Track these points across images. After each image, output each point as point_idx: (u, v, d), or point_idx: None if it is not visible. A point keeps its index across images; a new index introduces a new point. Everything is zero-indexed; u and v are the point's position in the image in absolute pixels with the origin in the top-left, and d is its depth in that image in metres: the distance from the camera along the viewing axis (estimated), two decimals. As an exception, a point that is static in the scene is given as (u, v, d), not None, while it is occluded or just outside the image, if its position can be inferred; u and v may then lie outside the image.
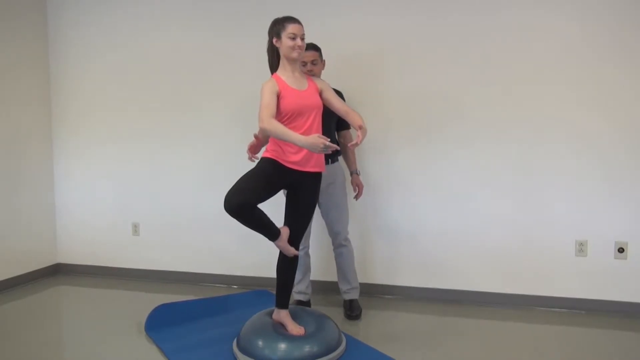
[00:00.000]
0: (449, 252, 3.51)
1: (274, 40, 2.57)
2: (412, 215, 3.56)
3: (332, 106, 2.67)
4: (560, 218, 3.30)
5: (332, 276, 3.51)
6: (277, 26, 2.55)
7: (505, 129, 3.36)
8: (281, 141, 2.49)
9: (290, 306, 2.74)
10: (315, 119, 2.58)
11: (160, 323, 3.00)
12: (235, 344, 2.65)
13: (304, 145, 2.34)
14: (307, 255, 3.29)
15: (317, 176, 2.66)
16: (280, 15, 2.60)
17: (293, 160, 2.53)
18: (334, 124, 3.16)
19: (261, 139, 2.78)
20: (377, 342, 2.80)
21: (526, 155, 3.33)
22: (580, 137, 3.24)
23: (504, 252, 3.41)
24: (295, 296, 3.27)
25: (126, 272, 4.20)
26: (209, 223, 3.96)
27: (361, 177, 3.35)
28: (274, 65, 2.63)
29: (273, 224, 2.54)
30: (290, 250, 2.63)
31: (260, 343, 2.50)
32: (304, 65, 2.96)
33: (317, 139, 2.31)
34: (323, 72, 3.13)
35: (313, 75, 2.88)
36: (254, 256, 3.85)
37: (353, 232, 3.41)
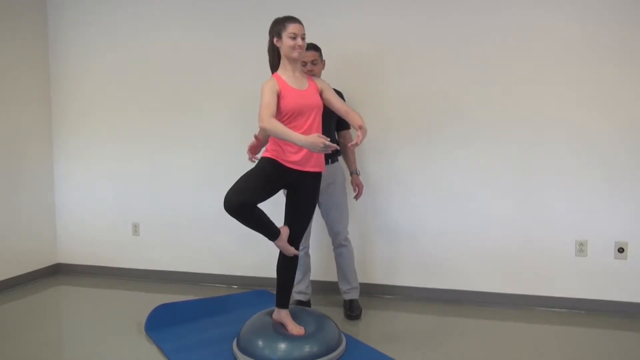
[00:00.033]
0: (449, 252, 3.51)
1: (275, 39, 2.57)
2: (412, 215, 3.56)
3: (333, 106, 2.67)
4: (560, 218, 3.30)
5: (332, 276, 3.51)
6: (278, 26, 2.55)
7: (505, 129, 3.36)
8: (281, 141, 2.49)
9: (290, 306, 2.74)
10: (315, 118, 2.58)
11: (160, 323, 3.00)
12: (235, 344, 2.65)
13: (303, 144, 2.34)
14: (307, 255, 3.29)
15: (317, 176, 2.66)
16: (281, 15, 2.61)
17: (293, 160, 2.53)
18: (334, 124, 3.16)
19: (261, 140, 2.78)
20: (377, 342, 2.80)
21: (526, 155, 3.33)
22: (580, 137, 3.24)
23: (504, 252, 3.41)
24: (295, 296, 3.27)
25: (126, 272, 4.20)
26: (209, 223, 3.96)
27: (361, 177, 3.35)
28: (274, 64, 2.63)
29: (273, 224, 2.54)
30: (290, 250, 2.63)
31: (260, 343, 2.50)
32: (304, 65, 2.95)
33: (317, 139, 2.31)
34: (323, 72, 3.13)
35: (313, 75, 2.88)
36: (254, 256, 3.85)
37: (353, 232, 3.41)
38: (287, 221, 2.67)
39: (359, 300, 3.30)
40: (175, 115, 4.01)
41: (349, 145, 2.51)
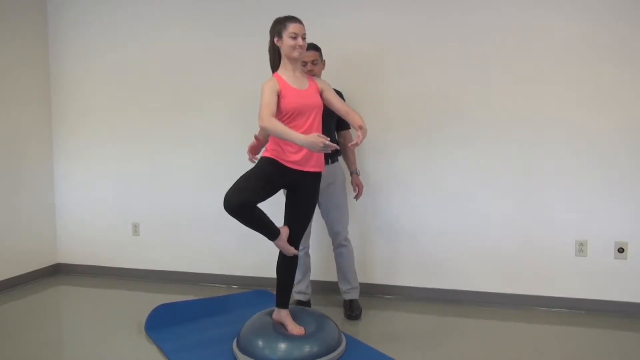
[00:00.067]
0: (449, 252, 3.51)
1: (275, 39, 2.57)
2: (412, 215, 3.56)
3: (333, 106, 2.67)
4: (560, 218, 3.30)
5: (332, 276, 3.51)
6: (279, 25, 2.55)
7: (505, 129, 3.36)
8: (281, 140, 2.49)
9: (290, 306, 2.74)
10: (315, 118, 2.58)
11: (160, 323, 3.00)
12: (235, 344, 2.65)
13: (303, 144, 2.34)
14: (307, 255, 3.29)
15: (316, 176, 2.66)
16: (281, 15, 2.61)
17: (293, 159, 2.53)
18: (334, 124, 3.16)
19: (261, 140, 2.78)
20: (377, 342, 2.80)
21: (526, 155, 3.33)
22: (580, 137, 3.24)
23: (504, 252, 3.41)
24: (295, 296, 3.27)
25: (126, 272, 4.20)
26: (209, 223, 3.96)
27: (361, 177, 3.35)
28: (275, 64, 2.63)
29: (273, 224, 2.54)
30: (290, 250, 2.63)
31: (260, 343, 2.50)
32: (304, 65, 2.95)
33: (317, 138, 2.31)
34: (323, 72, 3.13)
35: (313, 75, 2.88)
36: (254, 256, 3.85)
37: (353, 232, 3.41)
38: (287, 221, 2.67)
39: (359, 300, 3.30)
40: (175, 115, 4.01)
41: (349, 145, 2.52)
